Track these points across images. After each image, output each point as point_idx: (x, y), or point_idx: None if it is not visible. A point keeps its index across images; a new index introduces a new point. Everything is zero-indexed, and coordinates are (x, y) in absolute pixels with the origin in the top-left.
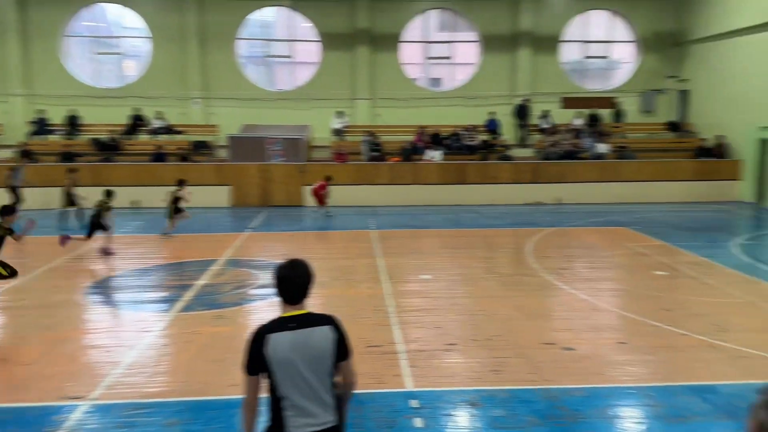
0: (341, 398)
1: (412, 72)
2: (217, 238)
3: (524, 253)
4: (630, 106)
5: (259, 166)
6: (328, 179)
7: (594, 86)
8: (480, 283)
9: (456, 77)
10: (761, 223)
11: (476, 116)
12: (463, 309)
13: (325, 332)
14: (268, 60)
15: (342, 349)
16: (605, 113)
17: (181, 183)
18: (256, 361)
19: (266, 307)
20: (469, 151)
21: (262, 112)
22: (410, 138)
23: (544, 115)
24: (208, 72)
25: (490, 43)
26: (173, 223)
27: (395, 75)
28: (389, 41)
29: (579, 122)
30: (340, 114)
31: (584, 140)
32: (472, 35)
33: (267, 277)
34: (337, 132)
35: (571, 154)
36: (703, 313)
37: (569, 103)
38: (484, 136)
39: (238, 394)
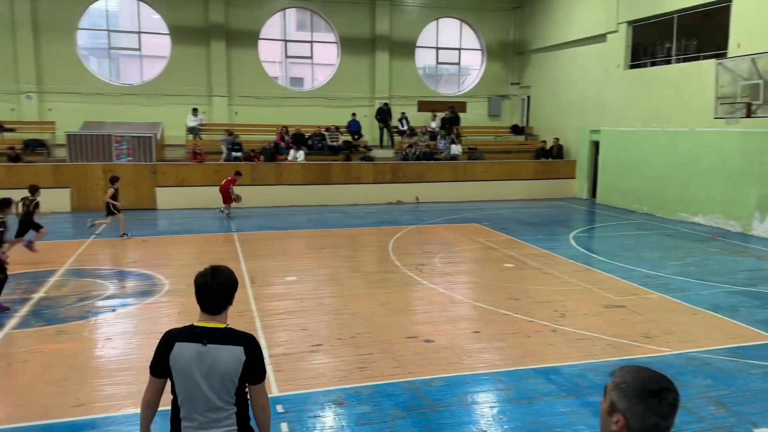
0: (259, 425)
1: (271, 70)
2: (57, 246)
3: (387, 251)
4: (479, 110)
5: (104, 167)
6: (238, 174)
7: (447, 91)
8: (345, 282)
9: (317, 77)
10: (593, 217)
11: (338, 117)
12: (329, 309)
13: (235, 353)
14: (113, 53)
15: (251, 373)
16: (458, 116)
17: (113, 180)
18: (160, 364)
19: (115, 320)
20: (332, 151)
21: (106, 108)
22: (272, 137)
23: (403, 117)
24: (43, 64)
25: (350, 45)
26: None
27: (254, 73)
28: (246, 38)
29: (434, 125)
30: (195, 111)
31: (440, 142)
32: (331, 36)
33: (115, 287)
34: (193, 130)
35: (427, 155)
36: (546, 300)
37: (425, 106)
38: (346, 137)
39: (84, 415)
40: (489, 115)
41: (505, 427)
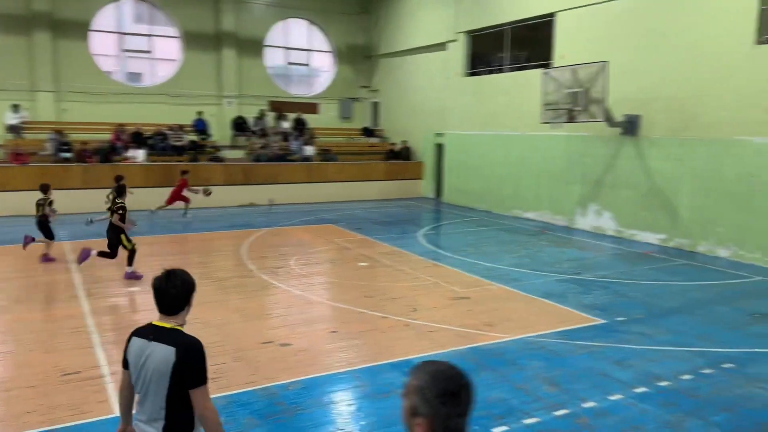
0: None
1: (105, 64)
2: None
3: (241, 255)
4: (330, 111)
5: None
6: (185, 173)
7: (298, 91)
8: (197, 289)
9: (158, 73)
10: (440, 216)
11: (183, 115)
12: None
13: (165, 353)
14: None
15: (183, 377)
16: (310, 118)
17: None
18: (124, 357)
19: None
20: (177, 151)
21: None
22: (107, 137)
23: (261, 117)
24: None
25: (193, 40)
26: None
27: (85, 66)
28: (76, 29)
29: (287, 126)
30: (15, 108)
31: (292, 143)
32: (172, 30)
33: None
34: (13, 129)
35: (280, 157)
36: (398, 296)
37: (276, 106)
38: (192, 137)
39: None
40: (341, 117)
41: (363, 423)
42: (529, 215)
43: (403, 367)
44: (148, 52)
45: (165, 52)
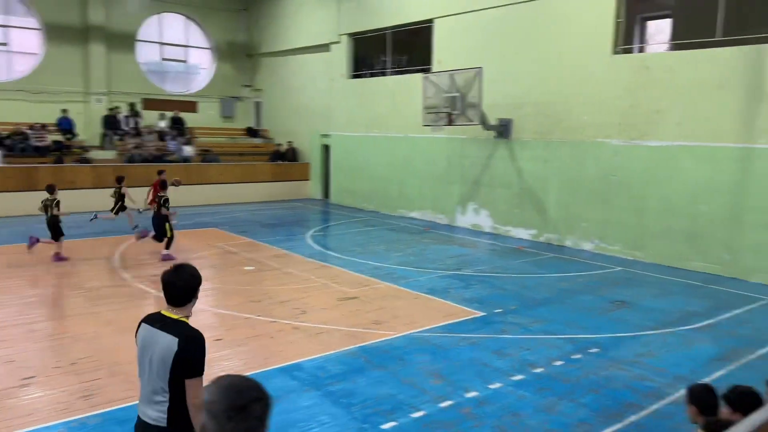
0: (193, 423)
1: None
2: None
3: (114, 264)
4: (211, 110)
5: None
6: (162, 172)
7: (175, 89)
8: (62, 302)
9: (15, 68)
10: (328, 217)
11: (46, 114)
12: (42, 335)
13: (170, 342)
14: None
15: (183, 366)
16: (189, 117)
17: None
18: (136, 341)
19: None
20: (39, 152)
21: None
22: None
23: (132, 115)
24: None
25: (56, 33)
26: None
27: None
28: None
29: (163, 125)
30: None
31: (170, 143)
32: (31, 22)
33: None
34: None
35: (157, 157)
36: (287, 299)
37: (151, 104)
38: (56, 136)
39: None
40: (221, 116)
41: None
42: (414, 215)
43: (293, 371)
44: (3, 44)
45: (24, 46)
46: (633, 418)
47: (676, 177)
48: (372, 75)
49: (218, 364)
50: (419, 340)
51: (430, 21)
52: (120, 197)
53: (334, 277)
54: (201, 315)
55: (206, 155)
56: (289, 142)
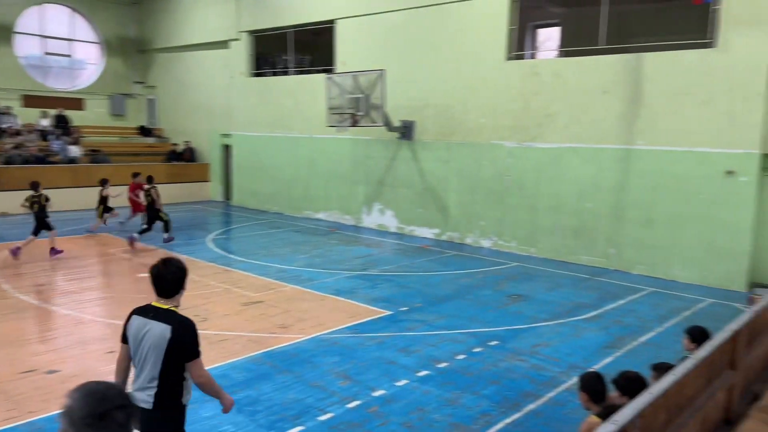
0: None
1: None
2: None
3: None
4: (100, 108)
5: None
6: (136, 175)
7: (59, 85)
8: None
9: None
10: (230, 219)
11: None
12: None
13: (163, 330)
14: None
15: (179, 351)
16: (75, 115)
17: (104, 182)
18: (123, 332)
19: None
20: None
21: None
22: None
23: (4, 113)
24: None
25: None
26: (103, 220)
27: None
28: None
29: (46, 123)
30: None
31: (53, 143)
32: None
33: None
34: None
35: (39, 158)
36: (186, 306)
37: (31, 101)
38: None
39: None
40: (111, 114)
41: None
42: (320, 216)
43: None
44: None
45: None
46: (531, 406)
47: (564, 176)
48: (274, 74)
49: (111, 377)
50: (326, 342)
51: (332, 22)
52: (102, 199)
53: (237, 281)
54: (92, 326)
55: (95, 155)
56: (187, 141)
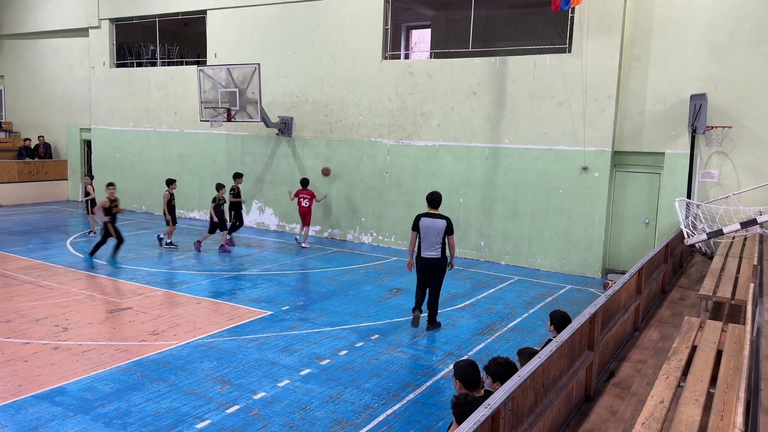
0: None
1: None
2: None
3: None
4: None
5: None
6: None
7: None
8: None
9: None
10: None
11: None
12: None
13: (442, 222)
14: None
15: (447, 231)
16: None
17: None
18: (415, 225)
19: None
20: None
21: None
22: None
23: None
24: None
25: None
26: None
27: None
28: None
29: None
30: None
31: None
32: None
33: None
34: None
35: None
36: (44, 316)
37: None
38: None
39: None
40: None
41: None
42: (195, 215)
43: (54, 397)
44: None
45: None
46: (411, 396)
47: (438, 173)
48: (139, 65)
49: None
50: (203, 347)
51: (203, 12)
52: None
53: (102, 287)
54: None
55: None
56: (41, 136)
